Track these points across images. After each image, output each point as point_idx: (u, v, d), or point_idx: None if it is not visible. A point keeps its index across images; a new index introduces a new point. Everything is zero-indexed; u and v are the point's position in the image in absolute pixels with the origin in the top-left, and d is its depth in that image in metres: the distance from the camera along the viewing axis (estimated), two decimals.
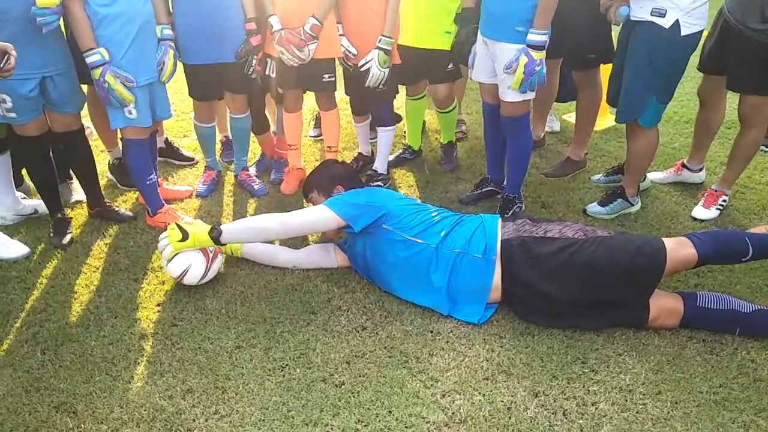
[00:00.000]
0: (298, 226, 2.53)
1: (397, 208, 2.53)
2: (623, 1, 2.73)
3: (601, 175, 3.56)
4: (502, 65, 2.79)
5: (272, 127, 3.74)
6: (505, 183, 3.33)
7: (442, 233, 2.44)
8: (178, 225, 2.50)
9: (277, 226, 2.49)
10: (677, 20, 2.62)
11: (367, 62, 3.11)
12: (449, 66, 3.31)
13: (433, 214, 2.56)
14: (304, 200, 2.96)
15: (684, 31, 2.64)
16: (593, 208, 3.20)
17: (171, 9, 2.94)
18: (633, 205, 3.19)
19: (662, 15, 2.62)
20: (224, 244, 2.53)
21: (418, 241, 2.44)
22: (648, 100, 2.83)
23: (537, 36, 2.64)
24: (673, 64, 2.76)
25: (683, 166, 3.48)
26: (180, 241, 2.46)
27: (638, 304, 2.31)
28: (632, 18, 2.72)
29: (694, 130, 3.45)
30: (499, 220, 2.50)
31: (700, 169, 3.48)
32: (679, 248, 2.26)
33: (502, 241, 2.39)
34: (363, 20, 3.09)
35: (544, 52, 2.69)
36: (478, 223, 2.48)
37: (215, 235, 2.44)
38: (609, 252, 2.26)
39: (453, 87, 3.48)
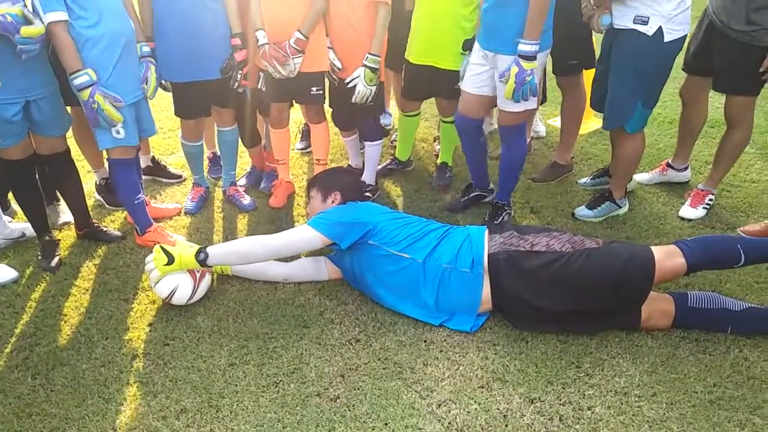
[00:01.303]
0: (282, 248, 2.51)
1: (383, 222, 2.52)
2: (605, 9, 2.76)
3: (587, 178, 3.59)
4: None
5: (262, 141, 3.74)
6: (490, 186, 3.35)
7: (429, 248, 2.44)
8: (163, 248, 2.49)
9: (262, 249, 2.47)
10: (660, 27, 2.63)
11: (354, 79, 3.12)
12: (458, 84, 3.22)
13: (420, 227, 2.54)
14: (306, 193, 2.95)
15: (667, 38, 2.65)
16: (581, 211, 3.21)
17: (153, 30, 2.94)
18: (621, 207, 3.21)
19: (645, 23, 2.64)
20: (210, 267, 2.52)
21: (405, 255, 2.44)
22: (634, 107, 2.84)
23: (527, 46, 2.63)
24: (658, 70, 2.78)
25: (668, 165, 3.52)
26: (166, 264, 2.45)
27: (629, 310, 2.31)
28: (615, 26, 2.74)
29: (677, 131, 3.49)
30: (486, 232, 2.49)
31: (685, 168, 3.51)
32: (667, 258, 2.25)
33: (489, 254, 2.38)
34: (346, 36, 3.10)
35: (536, 62, 2.69)
36: (464, 237, 2.47)
37: (201, 259, 2.44)
38: (596, 266, 2.25)
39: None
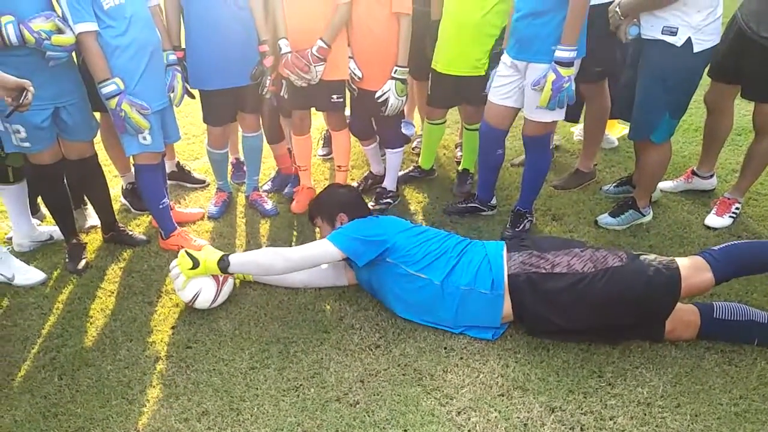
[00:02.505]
0: (302, 261, 2.48)
1: (401, 239, 2.49)
2: (633, 19, 2.72)
3: (610, 185, 3.55)
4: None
5: (288, 144, 3.77)
6: (492, 202, 3.34)
7: (447, 268, 2.40)
8: (188, 253, 2.52)
9: (282, 262, 2.46)
10: (689, 38, 2.59)
11: (385, 93, 3.14)
12: (486, 89, 3.19)
13: (438, 245, 2.49)
14: (311, 224, 2.96)
15: (696, 48, 2.61)
16: (605, 219, 3.18)
17: (183, 40, 3.01)
18: (644, 216, 3.17)
19: (673, 33, 2.60)
20: (232, 274, 2.56)
21: (422, 276, 2.41)
22: (661, 117, 2.80)
23: (565, 52, 2.61)
24: (686, 81, 2.74)
25: (693, 173, 3.47)
26: (191, 269, 2.49)
27: (653, 324, 2.28)
28: (643, 36, 2.71)
29: (702, 138, 3.44)
30: (504, 250, 2.43)
31: (711, 176, 3.46)
32: (694, 274, 2.19)
33: (509, 275, 2.34)
34: (367, 45, 3.12)
35: (573, 68, 2.67)
36: (482, 256, 2.42)
37: (223, 266, 2.47)
38: (619, 286, 2.19)
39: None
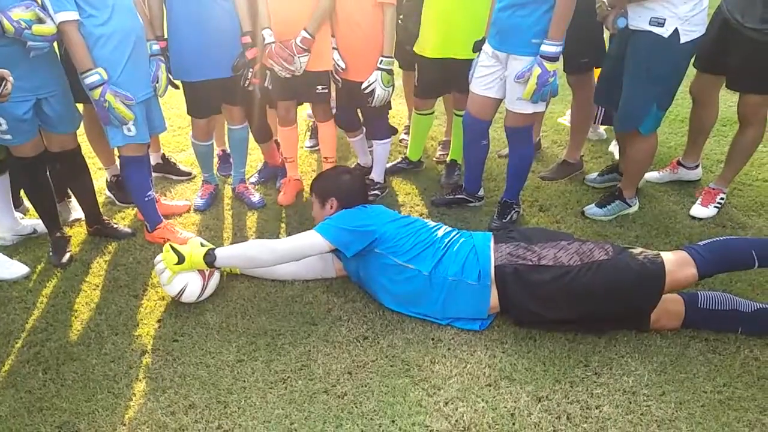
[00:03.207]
0: (289, 253, 2.47)
1: (390, 230, 2.48)
2: (620, 10, 2.72)
3: (596, 174, 3.56)
4: (513, 76, 2.77)
5: (275, 136, 3.75)
6: (479, 194, 3.35)
7: (435, 259, 2.41)
8: (173, 247, 2.50)
9: (269, 254, 2.45)
10: (676, 29, 2.60)
11: (371, 84, 3.11)
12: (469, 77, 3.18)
13: (426, 236, 2.50)
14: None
15: (683, 39, 2.62)
16: (591, 209, 3.20)
17: (165, 30, 2.96)
18: (631, 206, 3.19)
19: (661, 24, 2.60)
20: (219, 268, 2.54)
21: (410, 267, 2.41)
22: (649, 109, 2.81)
23: (551, 47, 2.61)
24: (674, 71, 2.75)
25: (679, 164, 3.49)
26: (176, 264, 2.46)
27: (638, 316, 2.30)
28: (630, 27, 2.71)
29: (688, 129, 3.46)
30: (491, 241, 2.44)
31: (696, 167, 3.48)
32: (679, 269, 2.21)
33: (495, 266, 2.35)
34: (352, 36, 3.09)
35: (558, 63, 2.67)
36: (470, 247, 2.42)
37: (209, 261, 2.45)
38: (605, 280, 2.21)
39: None
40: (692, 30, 2.63)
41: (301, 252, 2.48)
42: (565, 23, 2.60)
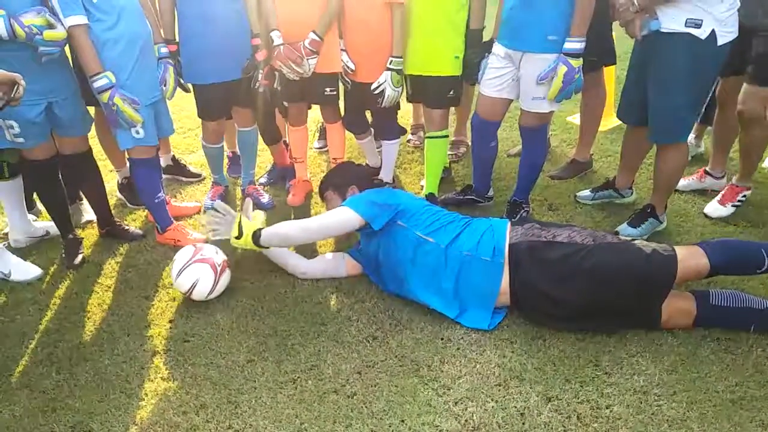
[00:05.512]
0: (321, 230, 2.58)
1: (412, 206, 2.58)
2: (648, 13, 2.55)
3: (588, 191, 3.38)
4: (531, 75, 2.72)
5: (284, 137, 3.76)
6: (489, 194, 3.33)
7: (453, 234, 2.47)
8: (240, 223, 2.55)
9: (300, 232, 2.56)
10: (713, 30, 2.46)
11: (381, 84, 3.09)
12: (450, 92, 3.12)
13: (444, 215, 2.59)
14: (320, 199, 2.99)
15: (720, 41, 2.48)
16: (626, 230, 2.96)
17: (176, 32, 2.99)
18: (662, 222, 3.01)
19: (698, 26, 2.45)
20: (264, 247, 2.58)
21: (430, 239, 2.47)
22: (690, 117, 2.68)
23: (575, 44, 2.59)
24: (710, 75, 2.63)
25: (706, 173, 3.37)
26: (237, 237, 2.54)
27: (650, 310, 2.28)
28: (663, 30, 2.53)
29: (713, 137, 3.37)
30: (508, 224, 2.50)
31: (723, 176, 3.34)
32: (690, 258, 2.23)
33: (510, 244, 2.39)
34: (360, 37, 3.09)
35: (581, 59, 2.64)
36: (486, 227, 2.50)
37: (256, 238, 2.52)
38: (619, 258, 2.25)
39: (448, 112, 3.33)
40: (728, 32, 2.50)
41: (335, 228, 2.59)
42: (588, 17, 2.57)
